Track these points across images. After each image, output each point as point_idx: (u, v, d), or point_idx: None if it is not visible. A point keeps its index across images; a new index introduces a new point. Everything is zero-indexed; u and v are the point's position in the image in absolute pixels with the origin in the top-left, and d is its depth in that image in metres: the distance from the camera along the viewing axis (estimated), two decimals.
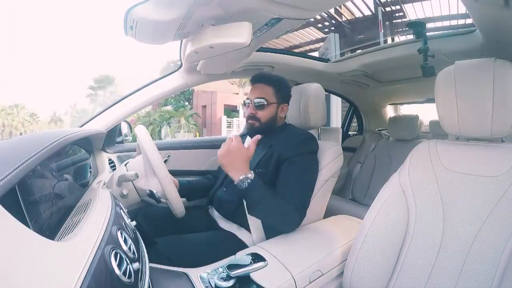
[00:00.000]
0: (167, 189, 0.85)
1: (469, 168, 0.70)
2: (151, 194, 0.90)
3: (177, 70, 1.36)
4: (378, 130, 2.33)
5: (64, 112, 28.09)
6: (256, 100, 1.01)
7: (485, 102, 0.65)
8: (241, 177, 0.81)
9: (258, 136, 0.86)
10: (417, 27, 1.23)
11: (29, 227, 0.38)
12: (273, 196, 0.86)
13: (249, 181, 0.81)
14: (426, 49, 1.22)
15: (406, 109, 2.60)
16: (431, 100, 2.45)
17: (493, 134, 0.67)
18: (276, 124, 1.04)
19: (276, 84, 1.03)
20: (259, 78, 1.04)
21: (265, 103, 1.00)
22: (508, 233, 0.61)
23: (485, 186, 0.66)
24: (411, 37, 1.34)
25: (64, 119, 27.55)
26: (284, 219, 0.87)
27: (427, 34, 1.24)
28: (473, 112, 0.68)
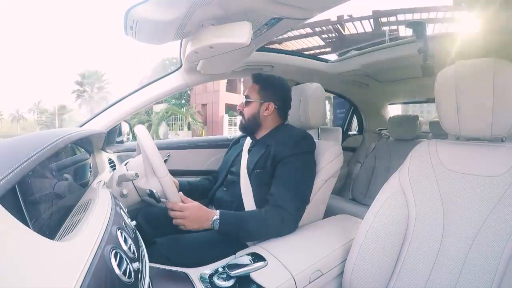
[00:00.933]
0: (167, 189, 0.85)
1: (469, 168, 0.70)
2: (151, 194, 0.90)
3: (177, 70, 1.36)
4: (378, 130, 2.33)
5: (27, 109, 26.16)
6: (244, 98, 1.06)
7: (485, 102, 0.65)
8: (211, 222, 0.83)
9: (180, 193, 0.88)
10: (417, 27, 1.23)
11: (29, 227, 0.38)
12: (248, 214, 0.89)
13: (218, 220, 0.83)
14: (426, 49, 1.22)
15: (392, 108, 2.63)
16: (431, 100, 2.45)
17: (493, 134, 0.67)
18: (261, 122, 1.05)
19: (262, 83, 1.06)
20: (253, 78, 1.09)
21: (246, 100, 1.05)
22: (508, 233, 0.61)
23: (485, 186, 0.66)
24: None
25: (27, 117, 25.94)
26: (277, 229, 0.87)
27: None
28: (473, 112, 0.68)
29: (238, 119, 1.22)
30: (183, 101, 16.07)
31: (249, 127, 1.06)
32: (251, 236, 0.88)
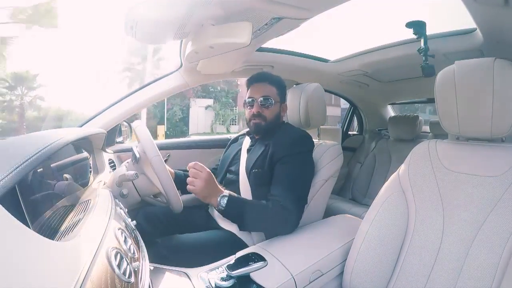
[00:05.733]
0: (163, 180, 0.84)
1: (469, 168, 0.70)
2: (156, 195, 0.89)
3: (177, 70, 1.36)
4: (378, 130, 2.33)
5: None
6: (263, 99, 1.02)
7: (485, 102, 0.65)
8: (219, 199, 0.83)
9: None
10: (417, 26, 1.22)
11: (29, 227, 0.38)
12: (255, 203, 0.89)
13: (226, 198, 0.83)
14: (426, 49, 1.22)
15: None
16: (431, 100, 2.45)
17: (493, 134, 0.67)
18: (279, 123, 1.06)
19: (278, 84, 1.06)
20: (262, 78, 1.06)
21: (272, 101, 1.02)
22: (508, 233, 0.61)
23: (485, 186, 0.66)
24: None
25: None
26: (278, 226, 0.87)
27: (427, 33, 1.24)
28: (473, 112, 0.68)
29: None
30: (230, 100, 16.24)
31: (270, 129, 1.03)
32: (253, 225, 0.89)
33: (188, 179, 0.84)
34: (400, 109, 2.54)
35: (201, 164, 0.85)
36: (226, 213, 0.84)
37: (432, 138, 0.81)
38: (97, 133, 1.02)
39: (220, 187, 0.87)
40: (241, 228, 0.91)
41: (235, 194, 0.87)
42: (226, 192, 0.85)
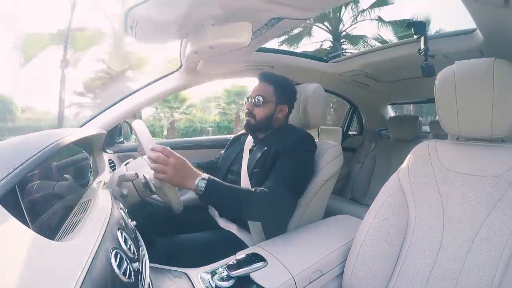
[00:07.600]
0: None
1: (469, 168, 0.70)
2: (146, 183, 0.86)
3: (177, 70, 1.36)
4: (378, 130, 2.33)
5: None
6: (255, 97, 1.02)
7: (485, 102, 0.65)
8: (196, 182, 0.74)
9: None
10: (417, 27, 1.22)
11: (29, 227, 0.38)
12: (239, 188, 0.86)
13: (205, 181, 0.74)
14: (426, 49, 1.22)
15: None
16: (431, 100, 2.45)
17: (493, 134, 0.67)
18: (273, 124, 1.04)
19: (277, 85, 1.04)
20: (263, 77, 1.06)
21: (262, 101, 1.01)
22: (508, 233, 0.61)
23: (485, 186, 0.66)
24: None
25: None
26: (265, 210, 0.82)
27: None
28: (473, 112, 0.68)
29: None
30: None
31: (259, 128, 1.04)
32: (236, 210, 0.84)
33: (154, 166, 0.71)
34: None
35: (170, 150, 0.75)
36: (206, 197, 0.75)
37: (432, 138, 0.81)
38: (97, 134, 1.02)
39: (198, 170, 0.77)
40: (222, 215, 0.87)
41: (217, 179, 0.78)
42: (206, 175, 0.76)
